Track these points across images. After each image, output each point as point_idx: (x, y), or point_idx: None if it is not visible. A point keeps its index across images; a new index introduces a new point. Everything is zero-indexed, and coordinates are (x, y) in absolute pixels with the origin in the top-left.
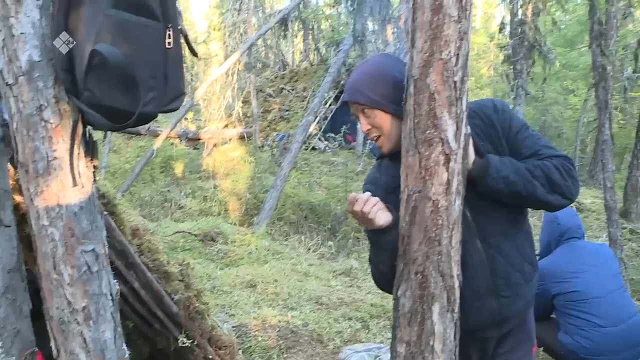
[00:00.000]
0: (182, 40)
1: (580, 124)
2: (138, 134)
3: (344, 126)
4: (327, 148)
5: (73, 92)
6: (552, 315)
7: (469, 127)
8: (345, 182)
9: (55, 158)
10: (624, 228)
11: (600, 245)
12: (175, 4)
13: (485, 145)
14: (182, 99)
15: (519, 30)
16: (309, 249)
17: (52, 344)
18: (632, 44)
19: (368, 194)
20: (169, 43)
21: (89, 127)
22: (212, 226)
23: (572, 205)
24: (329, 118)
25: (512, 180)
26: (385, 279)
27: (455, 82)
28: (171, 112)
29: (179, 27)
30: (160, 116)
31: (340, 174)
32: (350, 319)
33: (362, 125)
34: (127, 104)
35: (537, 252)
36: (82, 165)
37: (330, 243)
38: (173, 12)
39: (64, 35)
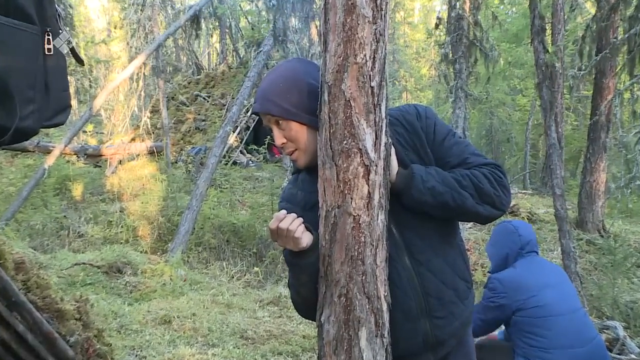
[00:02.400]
0: (66, 46)
1: (529, 127)
2: (25, 150)
3: (268, 137)
4: (250, 162)
5: None
6: (500, 339)
7: (389, 136)
8: (272, 200)
9: None
10: (580, 239)
11: (556, 265)
12: (53, 4)
13: (409, 155)
14: (68, 113)
15: (457, 26)
16: (232, 277)
17: None
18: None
19: (292, 215)
20: (49, 49)
21: None
22: (118, 256)
23: (508, 214)
24: (251, 128)
25: (439, 191)
26: (307, 305)
27: (372, 88)
28: (55, 127)
29: (60, 31)
30: (52, 130)
31: (265, 191)
32: (280, 353)
33: (276, 139)
34: (1, 119)
35: (486, 267)
36: None
37: (256, 269)
38: (51, 13)
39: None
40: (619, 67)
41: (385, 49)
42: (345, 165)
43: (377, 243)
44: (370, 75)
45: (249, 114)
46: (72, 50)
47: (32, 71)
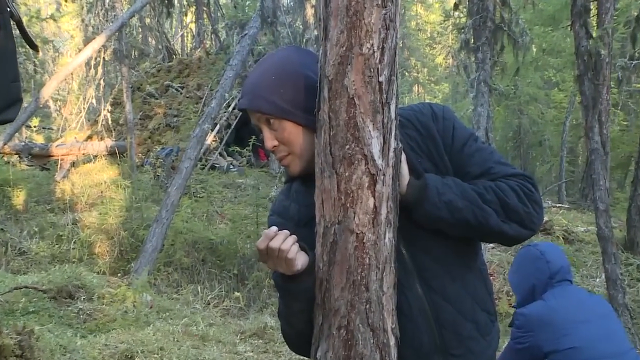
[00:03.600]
0: (15, 28)
1: (566, 128)
2: None
3: (253, 137)
4: (230, 166)
5: None
6: None
7: (399, 140)
8: (256, 212)
9: None
10: (629, 264)
11: (597, 295)
12: None
13: (423, 163)
14: (18, 108)
15: (481, 6)
16: (209, 304)
17: None
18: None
19: (284, 232)
20: None
21: None
22: (69, 277)
23: (539, 233)
24: (232, 126)
25: (458, 206)
26: (300, 338)
27: (380, 83)
28: (1, 124)
29: (8, 10)
30: None
31: (249, 201)
32: None
33: (267, 141)
34: None
35: (512, 295)
36: None
37: (237, 294)
38: None
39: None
40: None
41: (396, 38)
42: (347, 174)
43: (384, 266)
44: (378, 69)
45: (230, 109)
46: (22, 31)
47: None
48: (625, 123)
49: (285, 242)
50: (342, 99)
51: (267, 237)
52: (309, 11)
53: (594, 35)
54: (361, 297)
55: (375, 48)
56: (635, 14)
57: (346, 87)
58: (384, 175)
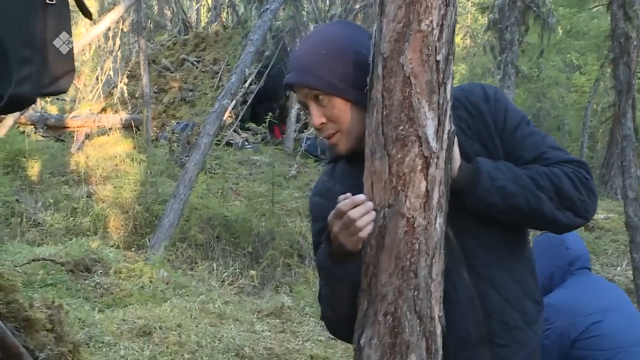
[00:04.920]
0: None
1: (588, 113)
2: None
3: (270, 114)
4: (245, 143)
5: None
6: None
7: (453, 123)
8: (272, 190)
9: None
10: None
11: (613, 284)
12: None
13: (474, 146)
14: (72, 78)
15: None
16: (224, 281)
17: None
18: None
19: (369, 203)
20: None
21: None
22: (86, 251)
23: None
24: (248, 103)
25: (511, 192)
26: (343, 323)
27: (437, 62)
28: (55, 95)
29: None
30: None
31: (264, 179)
32: None
33: (314, 118)
34: None
35: None
36: None
37: (252, 272)
38: None
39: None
40: None
41: (455, 15)
42: (400, 155)
43: (434, 252)
44: (436, 47)
45: (247, 85)
46: None
47: (29, 24)
48: None
49: (366, 216)
50: (397, 77)
51: (352, 202)
52: None
53: (632, 17)
54: (409, 283)
55: (435, 25)
56: None
57: (402, 65)
58: (437, 158)
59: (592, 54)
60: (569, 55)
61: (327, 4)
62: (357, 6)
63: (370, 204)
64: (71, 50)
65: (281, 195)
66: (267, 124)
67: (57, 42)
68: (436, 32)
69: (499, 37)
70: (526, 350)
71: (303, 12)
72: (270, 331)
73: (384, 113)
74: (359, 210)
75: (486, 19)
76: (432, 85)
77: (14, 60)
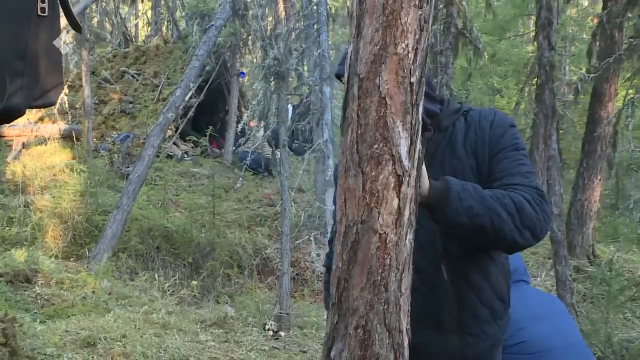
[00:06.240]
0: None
1: None
2: None
3: (210, 127)
4: (185, 155)
5: None
6: None
7: (422, 143)
8: (212, 202)
9: None
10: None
11: (549, 294)
12: None
13: (469, 159)
14: (60, 91)
15: (445, 12)
16: (165, 291)
17: None
18: (571, 35)
19: None
20: (42, 9)
21: None
22: (25, 261)
23: None
24: (188, 116)
25: (477, 213)
26: None
27: (412, 84)
28: (44, 107)
29: None
30: None
31: (204, 191)
32: None
33: None
34: None
35: None
36: None
37: (193, 283)
38: None
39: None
40: (627, 73)
41: (428, 39)
42: (374, 173)
43: (404, 267)
44: (410, 69)
45: (187, 98)
46: (67, 9)
47: (21, 36)
48: (560, 131)
49: None
50: (373, 97)
51: None
52: (281, 6)
53: (556, 47)
54: (380, 297)
55: (410, 48)
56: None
57: (378, 86)
58: (409, 176)
59: (512, 79)
60: (490, 79)
61: (274, 22)
62: (301, 26)
63: None
64: (60, 63)
65: (221, 207)
66: (207, 137)
67: (48, 54)
68: (411, 55)
69: (434, 60)
70: (490, 341)
71: (242, 30)
72: (214, 341)
73: (359, 132)
74: None
75: None
76: (407, 106)
77: (7, 73)
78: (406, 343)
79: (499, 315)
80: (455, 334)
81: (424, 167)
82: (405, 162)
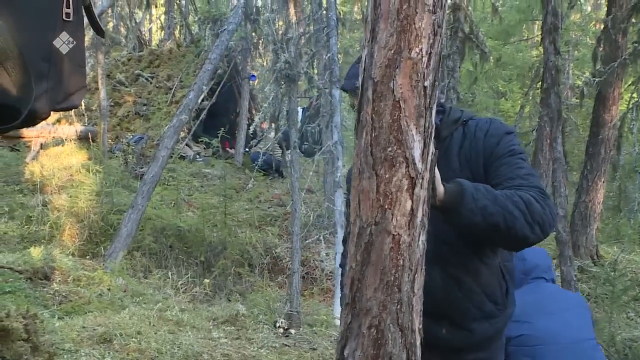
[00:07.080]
0: (84, 12)
1: None
2: None
3: (221, 129)
4: (197, 156)
5: None
6: None
7: (435, 145)
8: (224, 202)
9: None
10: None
11: (570, 292)
12: None
13: (463, 168)
14: (83, 94)
15: (452, 17)
16: (178, 289)
17: None
18: (574, 39)
19: None
20: (67, 14)
21: None
22: (43, 259)
23: None
24: (201, 117)
25: (490, 212)
26: None
27: (425, 88)
28: (67, 111)
29: None
30: None
31: (216, 191)
32: None
33: None
34: (13, 99)
35: None
36: None
37: (206, 281)
38: None
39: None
40: (631, 77)
41: (442, 44)
42: (388, 175)
43: (416, 268)
44: (424, 74)
45: (201, 101)
46: (90, 15)
47: (48, 40)
48: (565, 134)
49: None
50: (387, 101)
51: None
52: (292, 10)
53: (561, 52)
54: (393, 297)
55: (424, 53)
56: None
57: (392, 90)
58: (422, 179)
59: (517, 83)
60: (495, 83)
61: (285, 27)
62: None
63: None
64: (84, 66)
65: (232, 207)
66: (219, 138)
67: (73, 58)
68: (425, 59)
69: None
70: (478, 337)
71: (253, 34)
72: (226, 338)
73: (373, 135)
74: None
75: None
76: (420, 110)
77: (33, 75)
78: (418, 342)
79: (491, 315)
80: (443, 323)
81: (436, 169)
82: (419, 165)
